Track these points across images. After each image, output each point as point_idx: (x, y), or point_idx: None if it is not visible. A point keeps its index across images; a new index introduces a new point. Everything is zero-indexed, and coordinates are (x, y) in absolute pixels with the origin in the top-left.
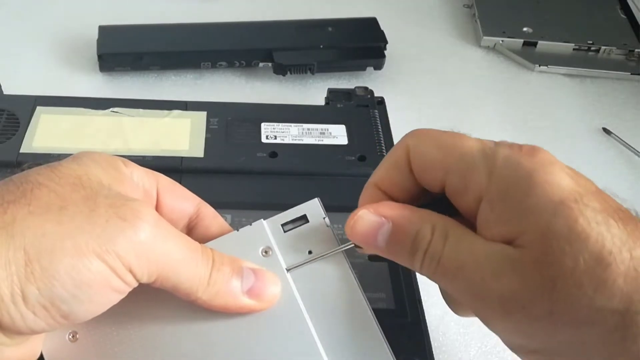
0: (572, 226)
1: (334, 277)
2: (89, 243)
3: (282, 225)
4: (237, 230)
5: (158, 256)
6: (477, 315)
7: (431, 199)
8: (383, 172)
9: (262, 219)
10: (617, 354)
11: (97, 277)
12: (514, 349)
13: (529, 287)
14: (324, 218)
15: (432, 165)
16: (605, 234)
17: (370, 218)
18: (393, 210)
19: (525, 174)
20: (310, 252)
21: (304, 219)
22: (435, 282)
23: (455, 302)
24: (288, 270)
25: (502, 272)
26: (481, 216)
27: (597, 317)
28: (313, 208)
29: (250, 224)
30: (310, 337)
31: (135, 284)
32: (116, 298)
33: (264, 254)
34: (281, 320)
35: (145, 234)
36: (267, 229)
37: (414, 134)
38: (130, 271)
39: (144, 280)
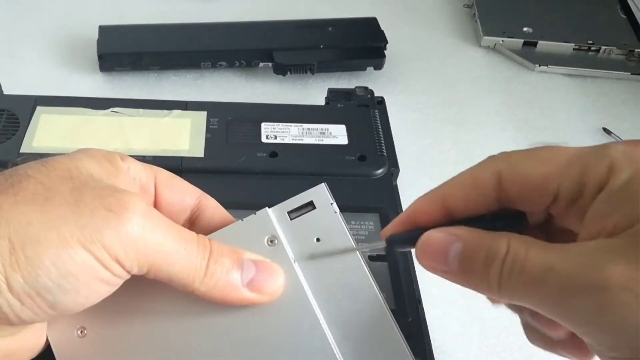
0: None
1: (345, 266)
2: (74, 233)
3: (288, 213)
4: (242, 220)
5: (148, 247)
6: (570, 325)
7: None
8: (457, 190)
9: (266, 207)
10: None
11: (83, 267)
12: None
13: None
14: (331, 204)
15: (539, 181)
16: None
17: (440, 236)
18: (464, 230)
19: None
20: (318, 240)
21: (310, 205)
22: (515, 299)
23: (541, 326)
24: (295, 260)
25: (607, 262)
26: (594, 210)
27: None
28: (320, 194)
29: (255, 213)
30: (320, 329)
31: (126, 276)
32: (105, 290)
33: (269, 243)
34: (288, 312)
35: (132, 224)
36: (272, 217)
37: (503, 158)
38: (117, 262)
39: (135, 271)
